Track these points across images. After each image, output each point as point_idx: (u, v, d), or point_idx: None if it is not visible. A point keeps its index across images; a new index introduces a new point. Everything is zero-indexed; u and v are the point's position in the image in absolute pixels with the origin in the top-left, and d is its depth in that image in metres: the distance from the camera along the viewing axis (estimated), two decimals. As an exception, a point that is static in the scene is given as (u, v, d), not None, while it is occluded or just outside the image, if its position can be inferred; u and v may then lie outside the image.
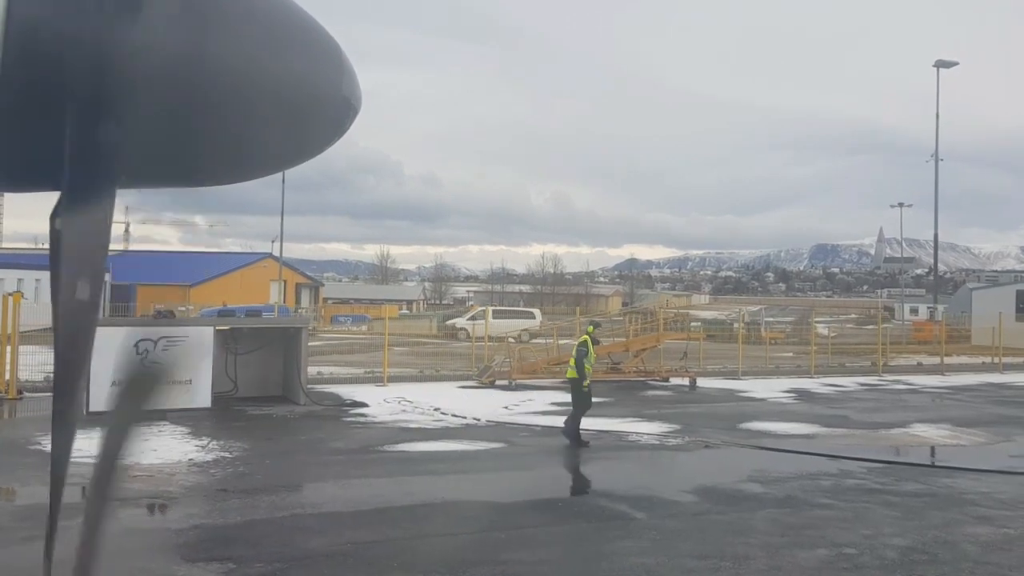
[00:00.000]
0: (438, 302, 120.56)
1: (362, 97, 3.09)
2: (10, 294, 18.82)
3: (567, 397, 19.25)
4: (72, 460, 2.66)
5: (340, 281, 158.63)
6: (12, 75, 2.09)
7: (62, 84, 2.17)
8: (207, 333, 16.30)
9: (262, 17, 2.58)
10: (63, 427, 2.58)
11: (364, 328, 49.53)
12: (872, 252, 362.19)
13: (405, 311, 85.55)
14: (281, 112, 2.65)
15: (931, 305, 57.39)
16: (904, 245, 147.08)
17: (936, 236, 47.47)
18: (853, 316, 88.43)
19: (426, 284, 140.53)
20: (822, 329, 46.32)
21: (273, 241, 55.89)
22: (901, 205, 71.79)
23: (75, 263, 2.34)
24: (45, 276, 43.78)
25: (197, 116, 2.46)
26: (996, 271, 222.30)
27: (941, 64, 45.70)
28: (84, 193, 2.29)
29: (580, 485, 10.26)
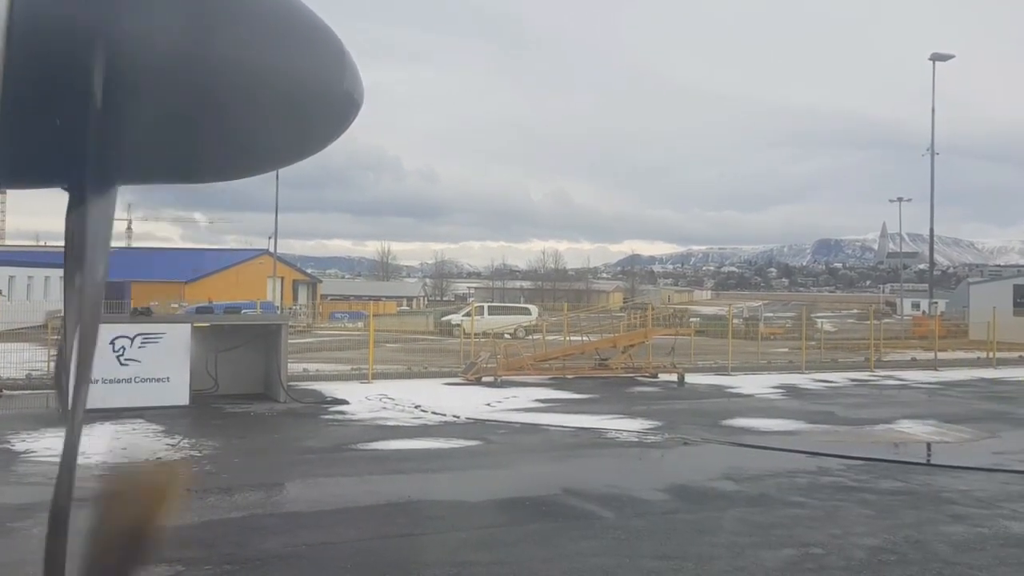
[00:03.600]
0: (439, 298, 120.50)
1: (364, 92, 3.04)
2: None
3: (551, 394, 19.26)
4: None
5: (343, 278, 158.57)
6: (13, 71, 2.06)
7: (63, 80, 2.16)
8: (184, 330, 16.14)
9: (264, 12, 2.55)
10: (68, 425, 2.58)
11: (360, 325, 49.35)
12: (875, 247, 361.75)
13: (405, 307, 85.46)
14: (283, 108, 2.62)
15: (933, 300, 57.15)
16: (907, 240, 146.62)
17: (932, 230, 47.20)
18: (855, 311, 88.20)
19: (427, 280, 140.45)
20: (827, 325, 46.11)
21: (270, 238, 55.75)
22: (900, 200, 71.55)
23: (78, 260, 2.33)
24: (38, 273, 44.01)
25: (199, 112, 2.42)
26: (999, 266, 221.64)
27: (937, 57, 45.46)
28: (87, 190, 2.30)
29: (550, 484, 10.07)
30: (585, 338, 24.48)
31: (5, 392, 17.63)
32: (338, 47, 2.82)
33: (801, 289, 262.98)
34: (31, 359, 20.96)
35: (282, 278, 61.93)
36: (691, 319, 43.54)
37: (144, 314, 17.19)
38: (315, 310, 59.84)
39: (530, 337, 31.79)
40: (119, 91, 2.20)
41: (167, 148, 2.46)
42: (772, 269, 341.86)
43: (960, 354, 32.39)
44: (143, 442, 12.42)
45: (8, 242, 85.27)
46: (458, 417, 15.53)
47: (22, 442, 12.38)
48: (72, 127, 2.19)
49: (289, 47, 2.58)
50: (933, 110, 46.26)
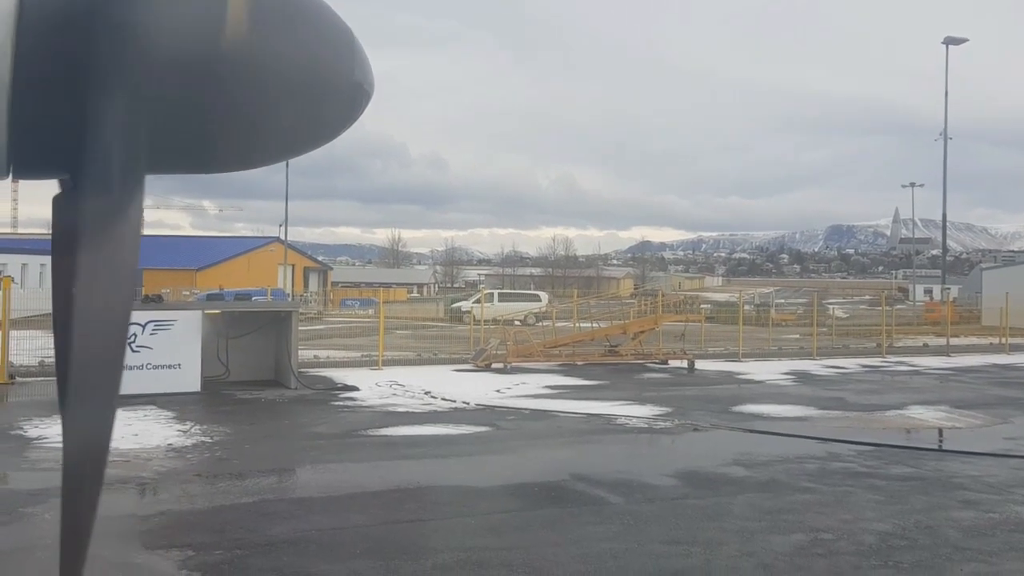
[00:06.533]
0: (450, 285, 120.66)
1: (374, 82, 3.04)
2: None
3: (561, 380, 19.30)
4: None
5: (353, 265, 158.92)
6: (25, 60, 2.08)
7: (75, 69, 2.15)
8: (195, 317, 16.21)
9: (273, 1, 2.54)
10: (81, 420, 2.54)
11: (370, 312, 49.46)
12: (888, 233, 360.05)
13: (415, 294, 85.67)
14: (294, 97, 2.63)
15: (945, 286, 56.84)
16: (920, 225, 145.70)
17: (944, 215, 46.97)
18: (867, 297, 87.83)
19: (437, 267, 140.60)
20: (838, 311, 45.91)
21: (280, 225, 55.93)
22: (913, 185, 71.18)
23: (94, 253, 2.35)
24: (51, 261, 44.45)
25: (210, 102, 2.43)
26: (1013, 251, 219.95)
27: (950, 41, 45.08)
28: (100, 180, 2.29)
29: (559, 469, 10.09)
30: (595, 324, 24.47)
31: (18, 379, 17.76)
32: (348, 36, 2.81)
33: (813, 275, 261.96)
34: (44, 346, 21.07)
35: (293, 265, 62.11)
36: (702, 306, 43.37)
37: (155, 301, 17.26)
38: (326, 297, 60.00)
39: (540, 324, 31.80)
40: (131, 81, 2.20)
41: (178, 138, 2.46)
42: (784, 255, 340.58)
43: (972, 340, 32.25)
44: (155, 428, 12.50)
45: (21, 230, 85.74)
46: (468, 403, 15.56)
47: (35, 428, 12.46)
48: (84, 117, 2.19)
49: (299, 36, 2.57)
50: (946, 94, 45.95)
